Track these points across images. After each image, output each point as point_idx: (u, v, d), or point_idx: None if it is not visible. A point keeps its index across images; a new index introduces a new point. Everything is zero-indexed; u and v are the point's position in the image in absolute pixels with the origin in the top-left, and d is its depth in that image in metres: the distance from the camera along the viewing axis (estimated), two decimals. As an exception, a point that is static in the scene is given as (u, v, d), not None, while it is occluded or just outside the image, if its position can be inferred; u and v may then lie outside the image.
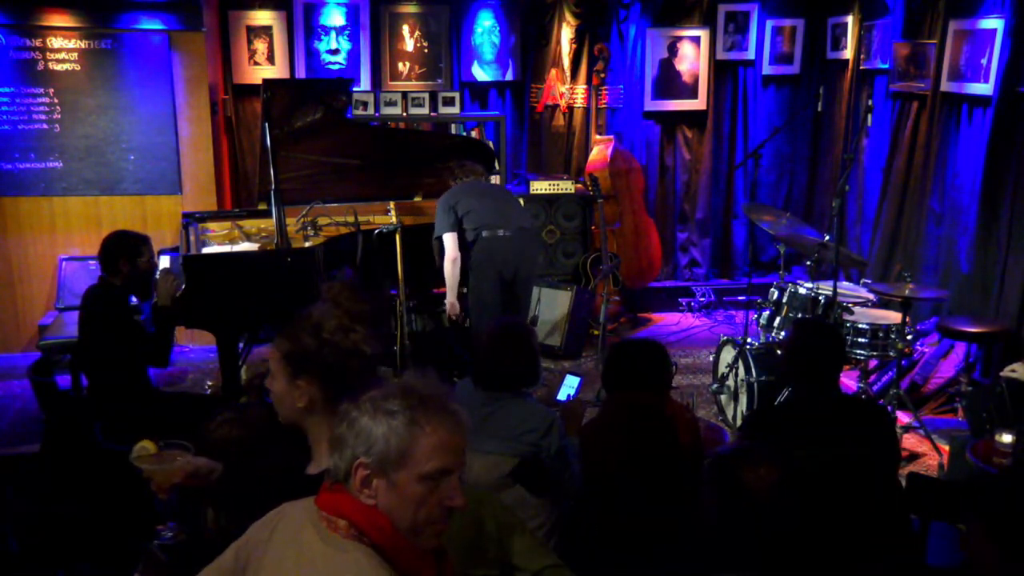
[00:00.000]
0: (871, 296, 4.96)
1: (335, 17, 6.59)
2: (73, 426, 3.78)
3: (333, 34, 6.61)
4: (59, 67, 5.86)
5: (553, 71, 7.00)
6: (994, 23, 5.12)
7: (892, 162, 6.20)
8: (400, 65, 6.75)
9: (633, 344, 3.14)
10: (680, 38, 7.06)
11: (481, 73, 6.90)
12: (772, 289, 5.07)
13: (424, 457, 1.48)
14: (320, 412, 1.81)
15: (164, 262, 4.82)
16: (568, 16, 6.91)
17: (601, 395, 5.26)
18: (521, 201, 5.31)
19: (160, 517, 2.11)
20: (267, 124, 4.60)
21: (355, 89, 6.39)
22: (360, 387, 1.81)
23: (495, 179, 6.63)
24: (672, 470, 2.84)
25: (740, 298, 6.38)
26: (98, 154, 6.00)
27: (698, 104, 7.16)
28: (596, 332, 5.99)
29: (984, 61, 5.20)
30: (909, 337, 4.63)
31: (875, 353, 4.66)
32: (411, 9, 6.71)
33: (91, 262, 5.88)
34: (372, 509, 1.50)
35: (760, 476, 2.15)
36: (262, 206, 5.27)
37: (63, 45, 5.84)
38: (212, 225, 5.29)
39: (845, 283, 5.31)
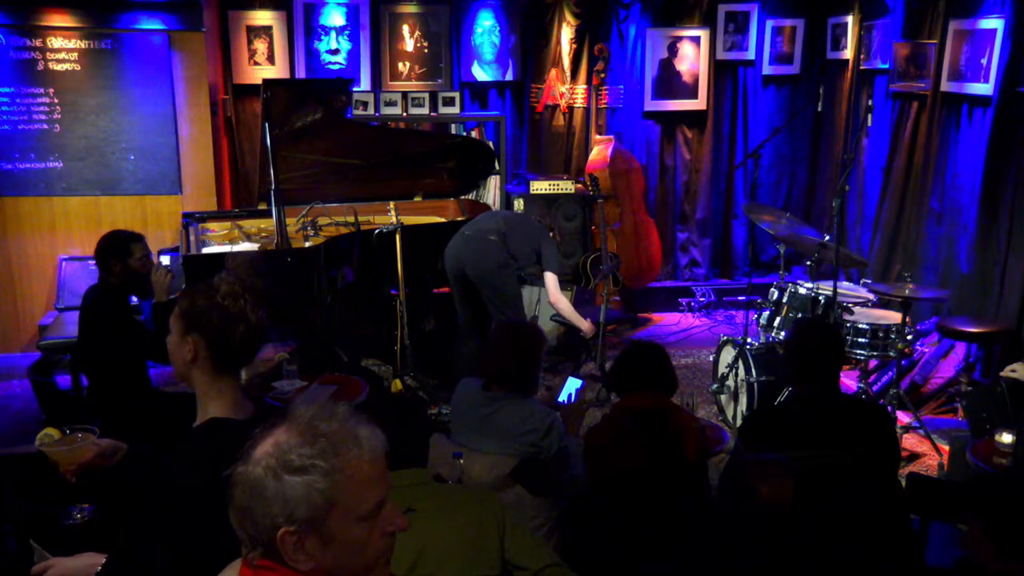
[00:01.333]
0: (871, 296, 4.96)
1: (335, 17, 6.59)
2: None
3: (333, 34, 6.61)
4: (59, 67, 5.86)
5: (553, 71, 7.00)
6: (994, 23, 5.12)
7: (892, 162, 6.20)
8: (400, 65, 6.75)
9: (637, 346, 3.14)
10: (680, 38, 7.06)
11: (481, 73, 6.90)
12: (772, 289, 5.07)
13: (355, 500, 1.32)
14: (203, 368, 1.95)
15: (164, 262, 4.83)
16: (568, 16, 6.91)
17: (601, 395, 5.27)
18: (527, 226, 5.21)
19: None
20: (267, 124, 4.60)
21: (355, 89, 6.39)
22: (246, 352, 1.96)
23: (494, 180, 6.66)
24: (677, 479, 2.83)
25: (740, 298, 6.38)
26: (98, 154, 6.00)
27: (698, 104, 7.16)
28: (596, 332, 5.98)
29: (984, 61, 5.20)
30: (909, 337, 4.63)
31: (875, 353, 4.65)
32: (411, 9, 6.70)
33: (91, 262, 5.83)
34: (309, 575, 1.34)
35: (776, 490, 2.15)
36: (262, 206, 5.28)
37: (63, 45, 5.84)
38: (212, 225, 5.29)
39: (845, 283, 5.31)
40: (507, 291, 5.10)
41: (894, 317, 4.73)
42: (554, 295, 5.11)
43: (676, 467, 2.85)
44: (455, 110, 6.59)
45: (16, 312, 6.11)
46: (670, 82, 7.12)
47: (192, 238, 4.91)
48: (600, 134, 6.89)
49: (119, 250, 4.00)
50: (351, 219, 5.14)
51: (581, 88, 7.03)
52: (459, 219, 5.68)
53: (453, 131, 6.73)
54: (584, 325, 5.27)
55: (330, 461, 1.31)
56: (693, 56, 7.08)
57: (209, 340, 1.92)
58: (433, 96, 6.56)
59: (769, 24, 7.10)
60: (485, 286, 5.06)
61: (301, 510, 1.29)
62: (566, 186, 6.64)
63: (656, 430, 2.88)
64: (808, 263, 4.95)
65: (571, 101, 7.07)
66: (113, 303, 3.98)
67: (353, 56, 6.67)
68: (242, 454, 1.35)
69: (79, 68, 5.89)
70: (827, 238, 4.87)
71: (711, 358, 5.40)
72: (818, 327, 3.32)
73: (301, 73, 6.57)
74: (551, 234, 5.29)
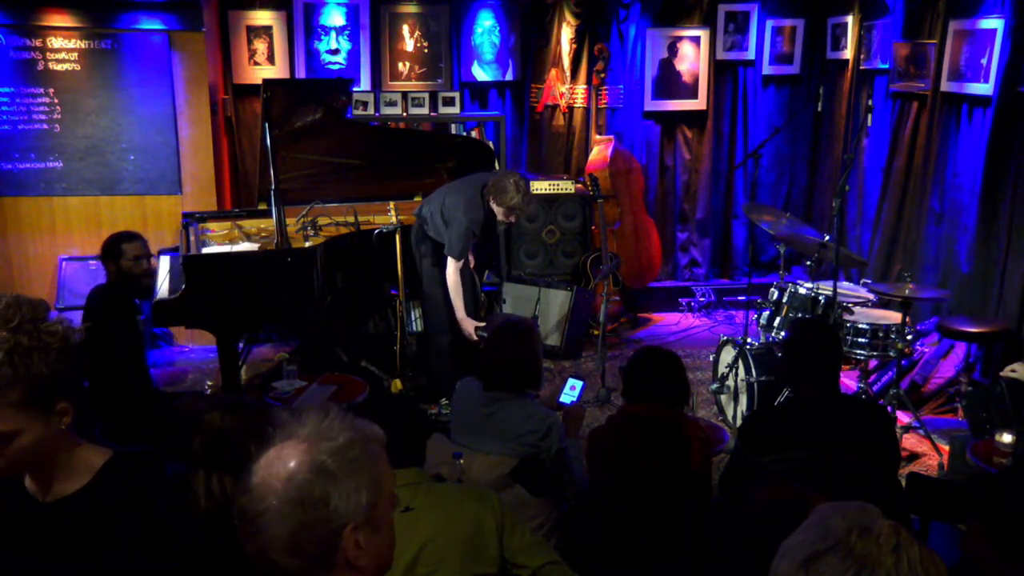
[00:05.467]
0: (871, 296, 4.96)
1: (335, 17, 6.59)
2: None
3: (333, 34, 6.61)
4: (59, 67, 5.86)
5: (553, 71, 7.00)
6: (994, 23, 5.12)
7: (892, 162, 6.20)
8: (400, 65, 6.75)
9: (652, 353, 3.05)
10: (680, 38, 7.06)
11: (481, 73, 6.90)
12: (772, 289, 5.07)
13: (388, 480, 1.38)
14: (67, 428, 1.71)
15: (164, 262, 4.83)
16: (568, 16, 6.91)
17: (601, 395, 5.27)
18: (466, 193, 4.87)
19: None
20: (267, 124, 4.60)
21: (355, 89, 6.39)
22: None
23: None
24: (680, 486, 2.83)
25: (740, 298, 6.37)
26: (98, 154, 6.00)
27: (698, 104, 7.16)
28: (596, 332, 5.99)
29: (984, 61, 5.20)
30: (909, 337, 4.63)
31: (875, 353, 4.65)
32: (411, 9, 6.70)
33: (91, 262, 5.88)
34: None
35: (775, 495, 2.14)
36: (262, 206, 5.27)
37: (63, 45, 5.84)
38: (212, 225, 5.29)
39: (845, 283, 5.31)
40: (421, 279, 5.09)
41: (894, 317, 4.73)
42: (448, 274, 4.85)
43: (679, 476, 2.85)
44: (455, 110, 6.59)
45: (16, 312, 6.10)
46: (670, 82, 7.12)
47: (192, 238, 4.91)
48: (600, 134, 6.89)
49: (112, 251, 4.02)
50: (351, 219, 5.14)
51: (581, 88, 7.02)
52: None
53: (453, 131, 6.73)
54: (466, 324, 4.84)
55: (363, 449, 1.34)
56: (693, 56, 7.08)
57: (74, 390, 1.69)
58: (433, 96, 6.55)
59: (769, 24, 7.10)
60: (417, 271, 5.09)
61: (365, 498, 1.31)
62: (566, 186, 6.64)
63: (662, 440, 2.87)
64: (808, 263, 4.95)
65: (571, 101, 7.07)
66: (115, 303, 3.98)
67: (353, 56, 6.67)
68: (244, 482, 1.32)
69: (79, 68, 5.89)
70: (827, 238, 4.87)
71: (711, 358, 5.40)
72: (815, 327, 3.31)
73: (301, 73, 6.57)
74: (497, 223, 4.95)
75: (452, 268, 4.83)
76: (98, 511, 1.71)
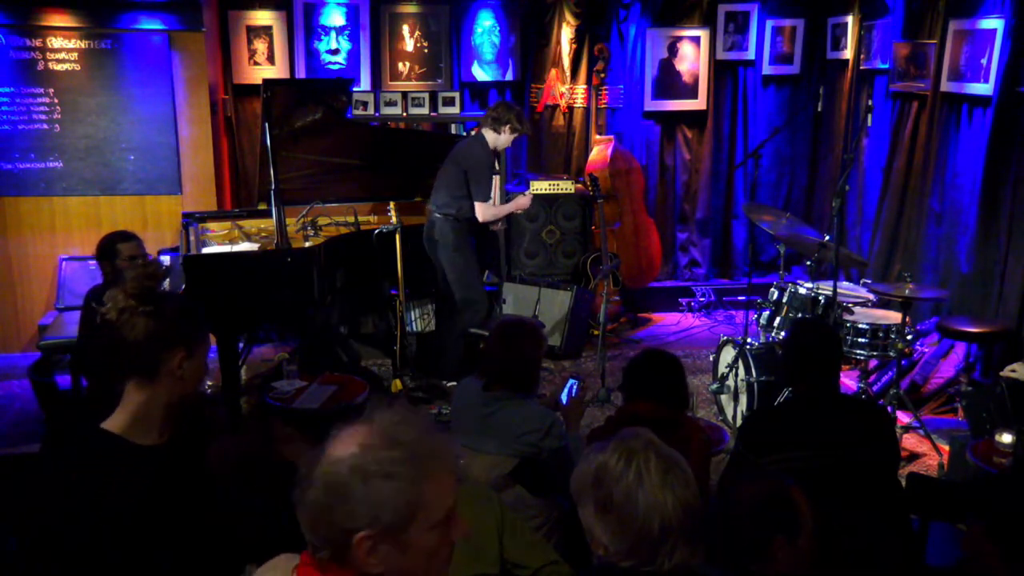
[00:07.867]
0: (871, 296, 4.96)
1: (335, 17, 6.59)
2: (73, 427, 3.78)
3: (333, 34, 6.61)
4: (59, 67, 5.86)
5: (553, 71, 7.00)
6: (994, 23, 5.12)
7: (892, 162, 6.20)
8: (400, 65, 6.75)
9: (653, 356, 3.08)
10: (680, 38, 7.06)
11: (481, 73, 6.90)
12: (772, 289, 5.07)
13: (434, 507, 1.35)
14: None
15: (164, 262, 4.83)
16: (568, 16, 6.91)
17: (600, 395, 5.27)
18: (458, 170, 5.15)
19: None
20: (267, 124, 4.60)
21: (355, 89, 6.39)
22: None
23: (495, 180, 6.65)
24: None
25: (740, 298, 6.37)
26: (98, 154, 6.00)
27: (698, 104, 7.16)
28: (596, 332, 5.99)
29: (984, 61, 5.20)
30: (909, 337, 4.63)
31: (875, 353, 4.65)
32: (411, 9, 6.70)
33: (91, 262, 5.87)
34: None
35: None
36: (262, 206, 5.28)
37: (63, 45, 5.84)
38: (212, 225, 5.30)
39: (845, 283, 5.31)
40: (450, 265, 5.19)
41: (894, 317, 4.73)
42: (483, 217, 5.11)
43: None
44: (455, 110, 6.59)
45: (16, 312, 6.11)
46: (670, 82, 7.12)
47: (192, 238, 4.91)
48: (600, 134, 6.89)
49: (106, 251, 4.01)
50: (351, 219, 5.14)
51: (581, 88, 7.03)
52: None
53: (453, 131, 6.73)
54: (521, 201, 5.32)
55: (417, 470, 1.33)
56: (693, 56, 7.08)
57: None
58: (433, 96, 6.56)
59: (769, 24, 7.10)
60: (444, 267, 5.23)
61: (386, 515, 1.30)
62: (566, 186, 6.64)
63: (661, 440, 2.87)
64: (808, 263, 4.95)
65: (571, 101, 7.07)
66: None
67: (353, 56, 6.67)
68: (320, 451, 1.36)
69: (79, 68, 5.89)
70: (827, 238, 4.87)
71: (711, 358, 5.40)
72: (815, 327, 3.31)
73: (301, 73, 6.56)
74: (495, 168, 5.24)
75: (483, 208, 5.06)
76: (182, 462, 1.94)
